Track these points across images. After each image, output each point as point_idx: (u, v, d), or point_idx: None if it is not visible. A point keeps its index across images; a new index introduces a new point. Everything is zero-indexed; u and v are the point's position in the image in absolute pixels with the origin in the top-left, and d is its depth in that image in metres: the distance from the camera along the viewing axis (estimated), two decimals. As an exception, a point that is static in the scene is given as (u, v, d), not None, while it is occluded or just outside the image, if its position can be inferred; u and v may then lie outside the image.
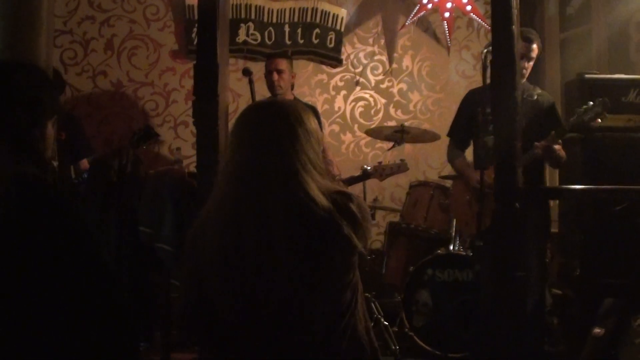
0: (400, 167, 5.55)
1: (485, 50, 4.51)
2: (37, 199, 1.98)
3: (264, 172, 2.25)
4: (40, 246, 1.92)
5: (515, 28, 3.40)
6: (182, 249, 2.33)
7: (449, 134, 5.46)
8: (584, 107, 4.55)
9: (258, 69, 6.45)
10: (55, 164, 5.17)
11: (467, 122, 5.19)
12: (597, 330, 4.51)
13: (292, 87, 6.06)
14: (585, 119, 4.53)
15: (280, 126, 2.31)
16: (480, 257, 4.71)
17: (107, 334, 1.98)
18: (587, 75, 5.13)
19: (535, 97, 4.97)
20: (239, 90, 7.00)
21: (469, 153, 5.31)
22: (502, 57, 3.42)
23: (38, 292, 1.91)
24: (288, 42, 7.31)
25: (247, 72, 5.19)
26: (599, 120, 4.53)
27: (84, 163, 5.87)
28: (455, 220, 5.63)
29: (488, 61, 4.51)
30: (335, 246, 2.24)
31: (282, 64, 5.85)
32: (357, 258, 2.33)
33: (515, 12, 3.41)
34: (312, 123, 2.38)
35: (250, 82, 5.15)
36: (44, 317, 1.91)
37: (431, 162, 7.45)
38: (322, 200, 2.23)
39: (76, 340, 1.94)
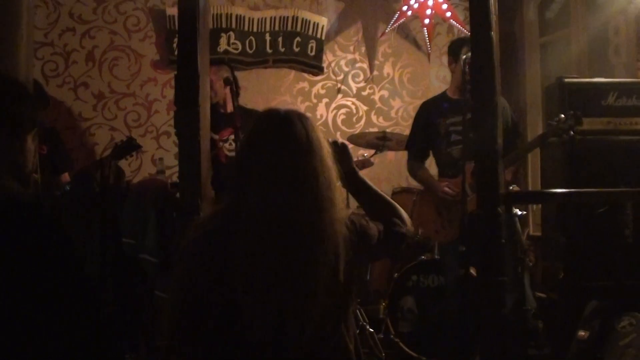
0: (365, 163, 5.55)
1: (465, 57, 4.53)
2: (18, 213, 1.96)
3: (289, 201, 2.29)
4: (21, 261, 1.91)
5: (494, 34, 3.41)
6: (167, 259, 2.31)
7: (407, 147, 5.52)
8: (556, 120, 4.59)
9: (241, 77, 6.44)
10: (37, 177, 5.14)
11: (425, 134, 5.24)
12: (581, 333, 4.53)
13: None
14: (559, 133, 4.59)
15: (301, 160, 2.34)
16: (463, 262, 4.73)
17: (91, 348, 1.97)
18: (566, 79, 5.15)
19: None
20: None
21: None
22: (481, 62, 3.42)
23: (21, 307, 1.90)
24: (269, 51, 7.32)
25: (228, 82, 5.18)
26: (572, 132, 4.58)
27: (65, 176, 5.84)
28: (420, 229, 5.63)
29: (467, 67, 4.57)
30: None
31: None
32: None
33: (493, 17, 3.42)
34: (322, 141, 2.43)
35: (232, 92, 5.14)
36: (25, 332, 1.90)
37: (414, 168, 7.46)
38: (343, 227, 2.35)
39: (60, 356, 1.93)
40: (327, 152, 2.39)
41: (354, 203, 3.21)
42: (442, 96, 5.41)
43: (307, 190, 2.29)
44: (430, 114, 5.25)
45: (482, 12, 3.40)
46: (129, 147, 5.23)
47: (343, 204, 2.40)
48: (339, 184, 2.43)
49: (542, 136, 4.89)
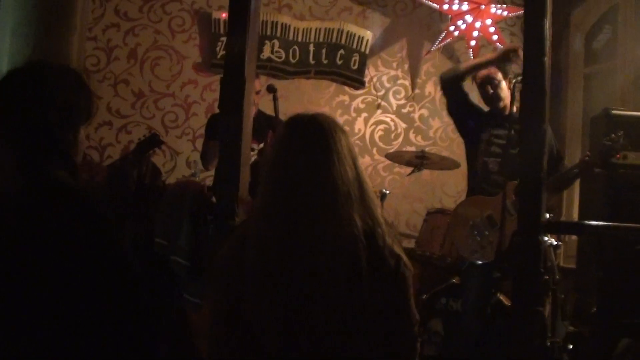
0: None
1: (515, 80, 4.48)
2: (68, 205, 1.94)
3: (313, 200, 2.25)
4: (72, 252, 1.89)
5: (547, 59, 3.37)
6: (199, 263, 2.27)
7: None
8: (608, 139, 4.51)
9: (281, 86, 6.43)
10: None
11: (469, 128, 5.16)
12: (612, 369, 4.45)
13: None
14: (613, 153, 4.50)
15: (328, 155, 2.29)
16: (495, 288, 4.66)
17: (137, 341, 1.96)
18: (613, 111, 5.08)
19: None
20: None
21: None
22: (533, 88, 3.38)
23: (73, 297, 1.88)
24: (312, 62, 7.31)
25: (271, 89, 5.15)
26: (621, 154, 4.50)
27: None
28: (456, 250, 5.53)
29: (517, 91, 4.52)
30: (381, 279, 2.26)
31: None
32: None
33: (547, 43, 3.38)
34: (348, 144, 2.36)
35: (275, 99, 5.11)
36: (73, 325, 1.88)
37: (447, 189, 7.40)
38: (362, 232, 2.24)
39: (105, 348, 1.91)
40: (353, 159, 2.33)
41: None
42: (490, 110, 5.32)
43: (321, 201, 2.25)
44: (479, 116, 5.15)
45: (536, 37, 3.37)
46: (152, 142, 5.19)
47: (373, 218, 2.31)
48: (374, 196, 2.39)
49: (600, 155, 4.72)
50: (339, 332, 2.20)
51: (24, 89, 2.08)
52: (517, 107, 4.38)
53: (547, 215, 4.81)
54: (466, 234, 5.04)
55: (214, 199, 4.79)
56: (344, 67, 7.35)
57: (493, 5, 7.13)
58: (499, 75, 4.97)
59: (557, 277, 4.82)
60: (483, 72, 5.04)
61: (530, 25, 3.40)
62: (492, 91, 4.99)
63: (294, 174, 2.28)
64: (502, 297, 4.71)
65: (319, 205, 2.24)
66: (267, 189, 2.34)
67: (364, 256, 2.22)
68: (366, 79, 7.45)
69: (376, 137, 7.47)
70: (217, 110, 6.01)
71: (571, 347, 5.16)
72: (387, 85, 7.52)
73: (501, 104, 5.00)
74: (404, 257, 2.35)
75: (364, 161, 7.36)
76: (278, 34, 7.23)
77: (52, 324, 1.88)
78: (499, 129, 5.03)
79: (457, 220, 5.19)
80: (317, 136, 2.32)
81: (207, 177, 6.21)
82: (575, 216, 6.78)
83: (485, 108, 5.18)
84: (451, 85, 5.10)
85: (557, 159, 5.10)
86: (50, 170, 2.01)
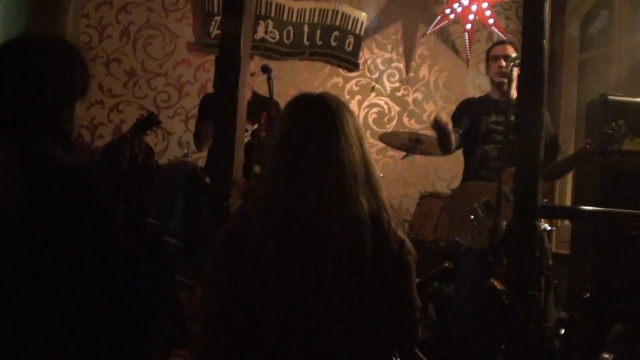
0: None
1: (512, 64, 4.47)
2: (63, 180, 1.90)
3: (318, 183, 2.22)
4: (68, 230, 1.85)
5: (546, 43, 3.34)
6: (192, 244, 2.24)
7: None
8: (610, 127, 4.48)
9: (275, 67, 6.37)
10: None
11: (464, 128, 5.11)
12: (605, 355, 4.44)
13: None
14: (614, 142, 4.48)
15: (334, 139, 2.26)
16: (489, 273, 4.64)
17: (132, 324, 1.93)
18: (610, 97, 5.05)
19: None
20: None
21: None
22: (531, 71, 3.34)
23: (67, 277, 1.84)
24: (306, 43, 7.25)
25: (266, 69, 5.11)
26: (627, 140, 4.48)
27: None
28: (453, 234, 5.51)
29: (514, 75, 4.50)
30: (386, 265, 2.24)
31: None
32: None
33: (546, 27, 3.35)
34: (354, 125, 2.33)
35: (269, 80, 5.06)
36: (70, 304, 1.85)
37: (441, 173, 7.39)
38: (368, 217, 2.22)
39: (101, 327, 1.88)
40: (359, 140, 2.31)
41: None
42: (486, 97, 5.31)
43: (327, 181, 2.22)
44: (472, 110, 5.15)
45: (536, 20, 3.33)
46: (150, 122, 5.16)
47: (378, 200, 2.29)
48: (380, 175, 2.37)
49: (601, 144, 4.69)
50: (341, 314, 2.18)
51: (17, 62, 2.03)
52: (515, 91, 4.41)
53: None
54: (462, 219, 5.01)
55: (207, 180, 4.78)
56: (338, 48, 7.29)
57: (490, -11, 7.09)
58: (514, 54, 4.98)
59: (550, 262, 4.81)
60: (500, 47, 5.17)
61: (530, 7, 3.37)
62: (505, 65, 5.00)
63: (300, 154, 2.25)
64: (495, 282, 4.69)
65: (325, 186, 2.21)
66: (272, 169, 2.31)
67: (369, 239, 2.19)
68: (360, 62, 7.39)
69: (370, 120, 7.43)
70: (210, 91, 6.00)
71: (563, 332, 5.17)
72: (382, 67, 7.48)
73: (506, 81, 4.97)
74: (408, 242, 2.32)
75: (357, 144, 7.32)
76: (272, 14, 7.16)
77: (46, 305, 1.84)
78: (497, 116, 5.03)
79: (454, 205, 5.17)
80: (324, 116, 2.29)
81: (200, 158, 6.17)
82: (568, 202, 6.78)
83: (480, 92, 5.18)
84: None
85: (554, 146, 5.08)
86: (45, 146, 1.96)
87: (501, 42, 5.42)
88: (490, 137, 5.05)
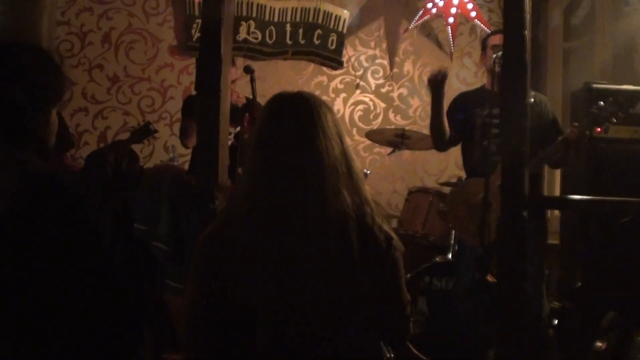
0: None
1: (495, 56, 4.44)
2: (40, 190, 1.87)
3: (301, 181, 2.21)
4: (46, 239, 1.82)
5: (527, 33, 3.32)
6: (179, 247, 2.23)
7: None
8: (596, 107, 4.44)
9: (258, 67, 6.35)
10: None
11: (460, 124, 5.00)
12: (599, 344, 4.43)
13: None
14: (600, 122, 4.43)
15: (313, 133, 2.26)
16: (481, 266, 4.61)
17: (116, 328, 1.91)
18: (594, 85, 5.05)
19: (532, 100, 4.79)
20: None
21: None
22: (513, 62, 3.33)
23: (45, 283, 1.82)
24: (289, 42, 7.23)
25: (248, 70, 5.08)
26: (614, 120, 4.42)
27: (67, 157, 5.75)
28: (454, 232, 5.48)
29: (497, 67, 4.47)
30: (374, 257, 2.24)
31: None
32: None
33: (527, 17, 3.33)
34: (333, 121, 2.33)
35: (252, 80, 5.04)
36: (52, 311, 1.82)
37: (429, 168, 7.37)
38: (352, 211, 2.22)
39: (85, 337, 1.86)
40: (339, 135, 2.31)
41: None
42: (480, 89, 5.23)
43: (309, 175, 2.21)
44: (467, 103, 5.05)
45: (516, 9, 3.32)
46: (146, 131, 5.18)
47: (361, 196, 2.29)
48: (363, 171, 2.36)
49: (585, 125, 4.63)
50: (330, 310, 2.16)
51: None
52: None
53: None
54: (464, 218, 4.99)
55: (193, 182, 4.75)
56: (322, 47, 7.27)
57: (471, -18, 7.08)
58: None
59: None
60: (498, 36, 4.97)
61: (510, -3, 3.36)
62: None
63: (279, 150, 2.25)
64: (489, 277, 4.67)
65: (306, 180, 2.20)
66: (252, 167, 2.31)
67: (355, 232, 2.18)
68: (344, 59, 7.37)
69: (356, 117, 7.41)
70: (193, 93, 5.98)
71: (556, 322, 5.16)
72: (366, 64, 7.46)
73: None
74: (395, 237, 2.31)
75: (344, 141, 7.30)
76: (254, 15, 7.14)
77: (31, 315, 1.82)
78: (493, 108, 4.95)
79: (454, 205, 5.13)
80: (301, 111, 2.29)
81: (186, 162, 6.15)
82: (557, 192, 6.77)
83: (466, 85, 5.13)
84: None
85: (555, 130, 4.93)
86: (20, 153, 1.94)
87: (499, 31, 5.32)
88: (486, 131, 4.96)
